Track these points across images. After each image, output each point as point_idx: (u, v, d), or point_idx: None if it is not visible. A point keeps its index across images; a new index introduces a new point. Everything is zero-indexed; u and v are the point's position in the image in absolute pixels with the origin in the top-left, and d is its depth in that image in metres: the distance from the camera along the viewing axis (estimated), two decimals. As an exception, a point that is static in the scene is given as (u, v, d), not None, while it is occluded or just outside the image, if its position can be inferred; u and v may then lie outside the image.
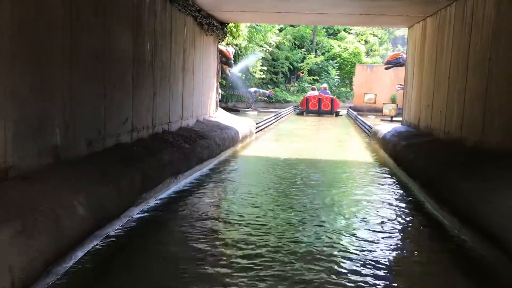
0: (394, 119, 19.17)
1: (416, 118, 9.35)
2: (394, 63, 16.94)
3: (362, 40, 34.17)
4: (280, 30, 27.39)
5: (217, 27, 10.06)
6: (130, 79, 5.48)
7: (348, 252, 3.75)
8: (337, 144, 11.20)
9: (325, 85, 24.57)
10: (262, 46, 24.20)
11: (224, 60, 11.12)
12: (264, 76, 25.54)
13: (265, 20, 11.21)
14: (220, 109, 11.87)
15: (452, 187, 4.69)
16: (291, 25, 32.02)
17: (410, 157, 6.66)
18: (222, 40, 11.00)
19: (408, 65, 10.46)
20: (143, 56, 5.88)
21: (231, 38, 11.26)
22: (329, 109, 20.85)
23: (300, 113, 21.58)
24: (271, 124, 15.59)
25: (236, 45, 22.15)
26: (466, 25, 6.64)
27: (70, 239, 3.11)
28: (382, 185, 6.51)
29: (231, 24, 11.17)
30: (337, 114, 21.12)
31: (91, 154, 4.42)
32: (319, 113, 20.82)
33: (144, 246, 3.76)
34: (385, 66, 17.28)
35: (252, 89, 24.55)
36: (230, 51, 11.55)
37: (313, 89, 23.57)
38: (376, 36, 33.82)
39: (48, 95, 3.81)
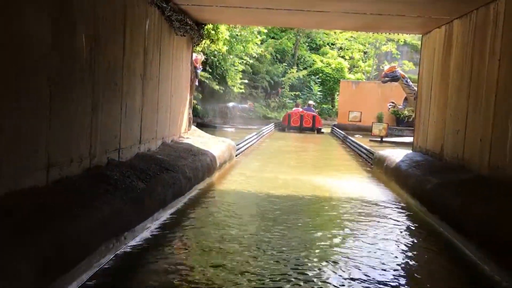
0: (384, 139, 17.56)
1: (437, 145, 7.54)
2: (391, 76, 15.20)
3: (346, 55, 32.79)
4: (262, 42, 25.64)
5: (192, 27, 8.11)
6: (44, 84, 3.43)
7: None
8: (333, 173, 9.30)
9: (311, 102, 24.31)
10: (242, 58, 22.35)
11: (191, 69, 9.19)
12: (243, 90, 23.64)
13: (252, 20, 9.35)
14: (193, 128, 9.87)
15: None
16: (273, 37, 30.41)
17: (456, 204, 4.76)
18: (198, 44, 9.05)
19: (422, 79, 8.70)
20: (71, 51, 3.85)
21: (208, 42, 9.30)
22: (311, 126, 20.93)
23: (282, 129, 21.26)
24: (253, 144, 13.66)
25: (214, 55, 20.26)
26: (529, 24, 4.88)
27: None
28: (429, 258, 4.60)
29: (209, 26, 9.23)
30: (319, 131, 21.18)
31: None
32: (301, 129, 20.71)
33: None
34: (383, 79, 15.56)
35: (230, 104, 22.68)
36: (198, 58, 9.58)
37: (297, 105, 22.93)
38: (362, 51, 32.53)
39: None
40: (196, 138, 8.77)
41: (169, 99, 7.47)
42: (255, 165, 9.69)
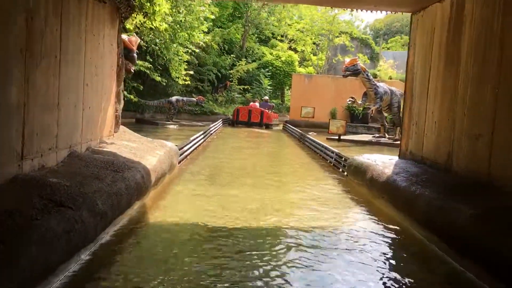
0: (342, 137, 16.04)
1: (440, 153, 5.84)
2: (352, 70, 13.74)
3: (298, 47, 31.15)
4: (208, 31, 23.42)
5: (116, -8, 5.93)
6: None
7: None
8: (300, 186, 7.42)
9: (266, 97, 24.78)
10: (187, 47, 20.03)
11: (125, 53, 7.01)
12: (188, 82, 21.32)
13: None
14: (123, 129, 7.66)
15: None
16: (220, 27, 28.21)
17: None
18: (126, 19, 6.83)
19: (412, 69, 6.99)
20: None
21: (141, 17, 7.10)
22: (259, 121, 21.20)
23: (231, 124, 21.37)
24: (200, 144, 11.58)
25: (156, 43, 17.82)
26: None
27: None
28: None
29: (143, -4, 7.04)
30: (268, 127, 21.35)
31: None
32: (248, 124, 21.02)
33: None
34: (344, 73, 14.03)
35: (174, 98, 20.35)
36: (133, 40, 7.41)
37: (254, 101, 23.14)
38: (314, 43, 31.04)
39: None
40: (125, 143, 6.59)
41: (81, 90, 5.27)
42: (202, 175, 7.63)
